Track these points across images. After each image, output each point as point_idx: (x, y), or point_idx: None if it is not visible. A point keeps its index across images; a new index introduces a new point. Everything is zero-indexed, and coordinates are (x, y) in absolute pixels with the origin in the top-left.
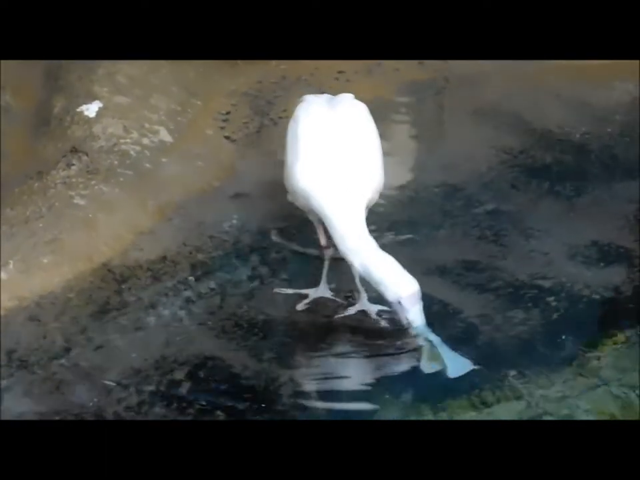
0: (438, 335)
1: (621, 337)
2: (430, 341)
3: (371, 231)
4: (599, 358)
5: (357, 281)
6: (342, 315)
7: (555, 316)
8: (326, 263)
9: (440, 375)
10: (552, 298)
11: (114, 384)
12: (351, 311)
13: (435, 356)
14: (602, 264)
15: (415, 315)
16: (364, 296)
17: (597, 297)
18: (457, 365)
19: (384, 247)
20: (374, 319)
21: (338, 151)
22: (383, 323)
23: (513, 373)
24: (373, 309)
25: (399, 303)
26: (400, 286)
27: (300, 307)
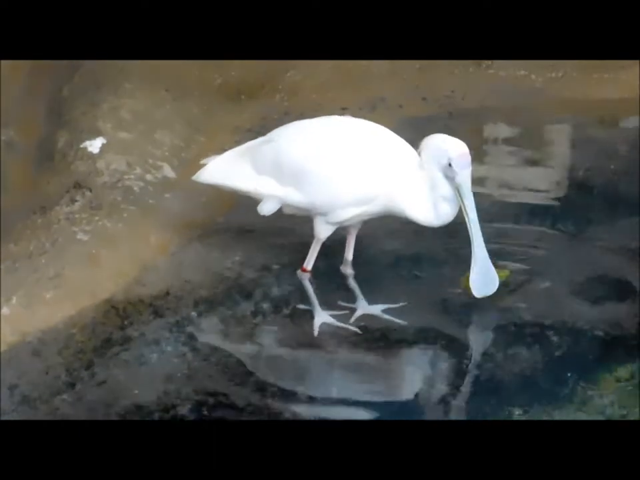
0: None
1: (624, 373)
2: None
3: None
4: (601, 395)
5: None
6: (349, 325)
7: (557, 353)
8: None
9: None
10: (553, 333)
11: None
12: (357, 314)
13: None
14: (605, 300)
15: (464, 177)
16: (362, 300)
17: (600, 333)
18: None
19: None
20: (387, 319)
21: (368, 149)
22: (397, 320)
23: (518, 411)
24: (376, 309)
25: (449, 165)
26: (449, 147)
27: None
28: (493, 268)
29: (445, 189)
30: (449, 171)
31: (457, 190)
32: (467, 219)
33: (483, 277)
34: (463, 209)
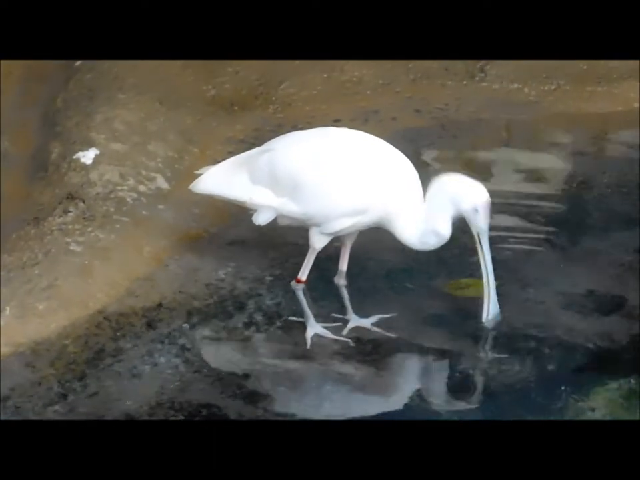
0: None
1: (614, 386)
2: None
3: None
4: (593, 409)
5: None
6: (339, 337)
7: (550, 366)
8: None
9: None
10: (547, 347)
11: None
12: (349, 326)
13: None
14: (597, 313)
15: (485, 222)
16: (352, 314)
17: (592, 346)
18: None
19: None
20: (377, 331)
21: (370, 159)
22: (387, 333)
23: None
24: (366, 322)
25: (476, 210)
26: (476, 194)
27: (308, 344)
28: (498, 305)
29: (444, 226)
30: (473, 215)
31: (477, 235)
32: (482, 262)
33: (492, 316)
34: (480, 253)
